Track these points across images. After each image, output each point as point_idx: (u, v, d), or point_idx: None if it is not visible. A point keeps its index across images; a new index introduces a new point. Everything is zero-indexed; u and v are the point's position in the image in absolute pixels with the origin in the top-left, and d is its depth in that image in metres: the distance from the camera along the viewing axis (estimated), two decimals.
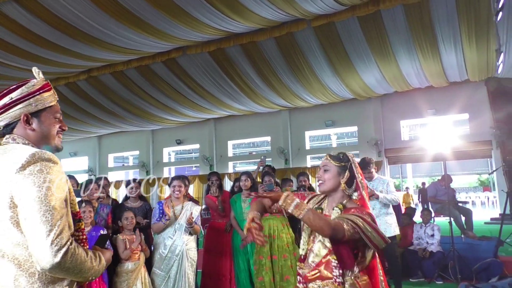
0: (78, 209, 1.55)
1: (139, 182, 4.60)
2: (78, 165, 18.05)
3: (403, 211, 7.82)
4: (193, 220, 3.99)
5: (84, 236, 1.56)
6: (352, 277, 1.97)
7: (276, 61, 10.16)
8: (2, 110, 1.51)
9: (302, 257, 2.13)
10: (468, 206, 8.61)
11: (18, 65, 8.93)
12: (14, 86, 1.53)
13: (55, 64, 9.53)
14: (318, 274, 2.02)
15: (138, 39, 8.45)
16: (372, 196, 4.80)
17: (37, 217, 1.31)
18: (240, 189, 5.11)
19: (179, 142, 15.93)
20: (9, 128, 1.53)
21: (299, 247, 2.29)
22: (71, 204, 1.50)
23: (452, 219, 6.19)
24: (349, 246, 1.94)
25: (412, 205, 12.55)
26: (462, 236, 6.93)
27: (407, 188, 15.57)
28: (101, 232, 3.59)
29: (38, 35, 7.93)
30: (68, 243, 1.34)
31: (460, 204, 7.91)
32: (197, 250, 4.27)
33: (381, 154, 12.68)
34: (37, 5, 7.04)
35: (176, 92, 11.91)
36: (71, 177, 4.07)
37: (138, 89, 11.84)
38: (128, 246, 3.79)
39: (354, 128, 13.73)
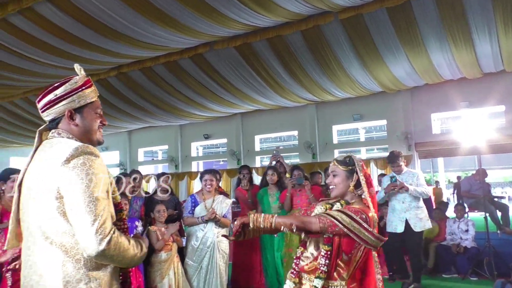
0: (119, 200, 1.64)
1: (169, 176, 4.71)
2: (110, 159, 18.55)
3: (434, 205, 7.64)
4: (218, 215, 4.04)
5: (126, 226, 1.65)
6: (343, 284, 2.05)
7: (302, 55, 10.08)
8: (48, 106, 1.59)
9: (303, 242, 2.25)
10: (504, 201, 8.31)
11: (53, 62, 9.22)
12: (58, 83, 1.61)
13: (87, 61, 9.78)
14: (314, 267, 2.10)
15: (165, 35, 8.57)
16: (402, 188, 4.71)
17: (82, 207, 1.38)
18: (266, 183, 5.14)
19: (206, 137, 16.10)
20: (54, 123, 1.62)
21: None
22: (113, 195, 1.57)
23: (487, 214, 6.01)
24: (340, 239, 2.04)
25: (444, 200, 12.23)
26: (498, 232, 6.72)
27: (436, 182, 15.16)
28: (136, 223, 3.70)
29: (71, 33, 8.17)
30: (111, 232, 1.41)
31: (496, 199, 7.65)
32: (229, 242, 4.33)
33: (411, 148, 12.39)
34: (69, 5, 7.25)
35: (203, 87, 12.02)
36: None
37: (166, 84, 12.02)
38: (160, 238, 3.89)
39: (383, 122, 13.46)
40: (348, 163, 2.25)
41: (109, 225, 1.41)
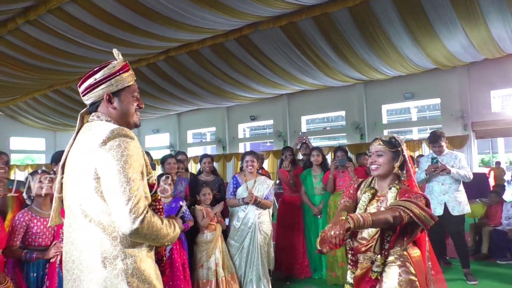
0: (154, 182, 1.67)
1: (212, 158, 4.81)
2: (160, 142, 19.26)
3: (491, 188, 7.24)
4: (259, 197, 4.09)
5: (160, 206, 1.69)
6: (402, 249, 2.10)
7: (350, 32, 9.74)
8: (88, 90, 1.65)
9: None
10: None
11: (102, 48, 9.62)
12: (97, 68, 1.66)
13: (136, 46, 10.12)
14: (370, 247, 2.12)
15: (211, 17, 8.62)
16: (444, 171, 4.50)
17: (117, 188, 1.43)
18: (310, 164, 5.11)
19: (253, 118, 16.20)
20: (94, 106, 1.68)
21: None
22: (148, 177, 1.62)
23: None
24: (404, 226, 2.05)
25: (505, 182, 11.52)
26: None
27: (497, 162, 14.24)
28: (180, 203, 3.84)
29: (120, 18, 8.46)
30: (145, 211, 1.46)
31: None
32: (271, 223, 4.39)
33: (467, 128, 11.73)
34: None
35: (249, 68, 12.04)
36: (146, 153, 4.37)
37: (213, 67, 12.16)
38: (205, 215, 4.02)
39: (437, 101, 12.81)
40: (395, 143, 2.22)
41: (143, 205, 1.46)
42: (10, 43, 9.49)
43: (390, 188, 2.18)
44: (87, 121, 1.70)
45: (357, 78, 12.49)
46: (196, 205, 4.09)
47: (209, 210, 4.04)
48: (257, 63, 11.67)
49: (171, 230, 1.57)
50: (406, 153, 2.25)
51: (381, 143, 2.23)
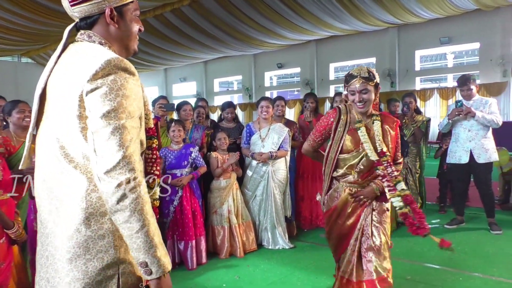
0: (152, 125, 1.45)
1: (234, 107, 4.74)
2: (187, 90, 19.31)
3: None
4: (269, 154, 4.05)
5: (155, 156, 1.47)
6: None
7: None
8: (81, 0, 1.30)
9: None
10: None
11: None
12: None
13: None
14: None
15: None
16: (468, 114, 4.26)
17: (105, 134, 1.16)
18: None
19: (280, 66, 15.85)
20: (87, 22, 1.35)
21: None
22: (146, 119, 1.38)
23: None
24: None
25: None
26: None
27: None
28: (191, 149, 3.84)
29: None
30: (135, 174, 1.18)
31: None
32: (288, 171, 4.36)
33: (507, 74, 11.04)
34: None
35: (275, 13, 11.57)
36: (163, 97, 4.33)
37: (239, 12, 11.77)
38: (219, 165, 4.03)
39: (476, 45, 12.01)
40: (373, 77, 2.37)
41: (135, 164, 1.19)
42: None
43: (373, 122, 2.43)
44: (75, 41, 1.37)
45: (390, 22, 11.81)
46: (211, 152, 4.09)
47: (225, 160, 4.03)
48: (284, 7, 11.18)
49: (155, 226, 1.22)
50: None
51: (363, 80, 2.34)
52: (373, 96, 2.37)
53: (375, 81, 2.37)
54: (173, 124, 3.75)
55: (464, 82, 4.42)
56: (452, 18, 11.31)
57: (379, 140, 2.38)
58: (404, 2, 10.25)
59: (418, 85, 13.14)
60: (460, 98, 4.58)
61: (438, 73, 13.75)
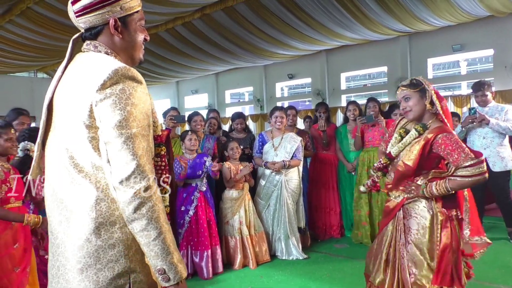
0: (159, 133, 1.45)
1: (244, 118, 4.75)
2: (199, 102, 19.42)
3: None
4: (282, 162, 4.03)
5: (164, 163, 1.49)
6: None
7: None
8: (88, 10, 1.31)
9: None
10: None
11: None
12: None
13: (172, 5, 10.03)
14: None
15: None
16: (482, 121, 4.17)
17: (117, 144, 1.17)
18: (347, 119, 4.93)
19: (291, 77, 15.87)
20: (92, 33, 1.36)
21: None
22: (154, 127, 1.38)
23: None
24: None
25: None
26: None
27: None
28: (205, 158, 3.84)
29: None
30: (150, 180, 1.19)
31: None
32: (300, 181, 4.32)
33: None
34: None
35: (285, 24, 11.63)
36: (174, 109, 4.36)
37: (249, 24, 11.87)
38: (232, 175, 4.02)
39: (489, 52, 11.84)
40: (417, 83, 2.29)
41: (149, 171, 1.21)
42: (50, 5, 9.66)
43: (413, 129, 2.31)
44: (80, 51, 1.39)
45: (401, 31, 11.75)
46: (224, 162, 4.09)
47: (238, 171, 4.02)
48: (294, 18, 11.24)
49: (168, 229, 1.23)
50: (430, 88, 2.30)
51: (403, 88, 2.31)
52: (418, 103, 2.25)
53: (420, 87, 2.27)
54: (189, 133, 3.78)
55: (479, 88, 4.35)
56: (464, 25, 11.21)
57: (397, 145, 2.36)
58: (415, 11, 10.20)
59: None
60: (475, 105, 4.50)
61: (451, 80, 13.59)
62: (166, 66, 15.40)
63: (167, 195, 1.48)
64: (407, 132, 2.35)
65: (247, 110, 18.42)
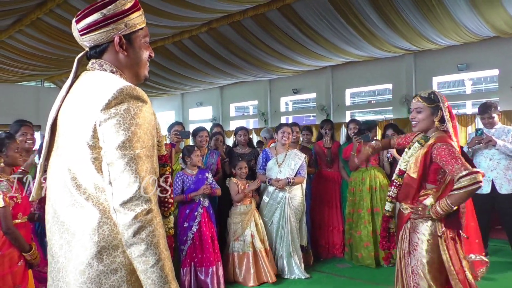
0: (164, 153, 1.43)
1: (247, 130, 4.74)
2: (204, 115, 19.48)
3: None
4: (287, 180, 4.02)
5: (169, 184, 1.45)
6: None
7: None
8: (92, 28, 1.30)
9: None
10: None
11: (147, 20, 9.69)
12: (102, 1, 1.32)
13: (179, 18, 10.13)
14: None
15: None
16: (489, 142, 4.15)
17: (120, 165, 1.14)
18: (349, 136, 4.92)
19: (295, 91, 15.91)
20: (97, 51, 1.35)
21: None
22: (158, 146, 1.36)
23: None
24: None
25: None
26: None
27: None
28: (206, 174, 3.82)
29: None
30: (151, 205, 1.16)
31: None
32: (304, 198, 4.28)
33: None
34: None
35: (291, 40, 11.71)
36: (178, 123, 4.36)
37: (255, 38, 11.96)
38: (240, 191, 3.99)
39: (494, 72, 11.85)
40: (433, 99, 2.35)
41: (151, 194, 1.18)
42: (62, 17, 9.77)
43: (413, 143, 2.43)
44: (86, 70, 1.38)
45: (407, 48, 11.79)
46: (231, 178, 4.08)
47: (246, 185, 4.01)
48: (300, 33, 11.31)
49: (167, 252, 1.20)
50: (445, 107, 2.38)
51: (419, 99, 2.36)
52: (427, 118, 2.37)
53: (435, 104, 2.36)
54: (195, 149, 3.78)
55: (485, 110, 4.34)
56: (469, 45, 11.25)
57: (404, 161, 2.44)
58: (421, 30, 10.25)
59: None
60: (481, 125, 4.48)
61: (456, 99, 13.58)
62: (171, 78, 15.50)
63: (171, 217, 1.45)
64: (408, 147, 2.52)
65: (251, 123, 18.44)
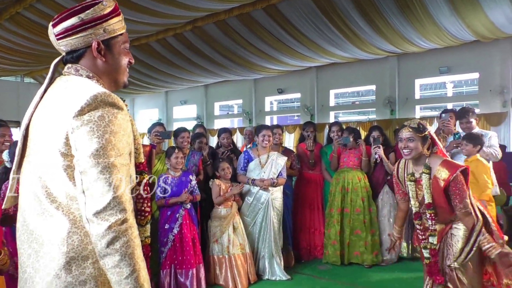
0: (142, 160, 1.39)
1: (230, 133, 4.71)
2: (188, 113, 19.36)
3: None
4: (271, 181, 4.02)
5: (146, 192, 1.43)
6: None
7: (384, 2, 9.22)
8: (69, 33, 1.26)
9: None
10: None
11: (129, 17, 9.55)
12: (84, 4, 1.27)
13: (164, 16, 10.01)
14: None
15: None
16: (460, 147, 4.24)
17: (93, 174, 1.10)
18: (331, 140, 4.94)
19: (280, 91, 15.94)
20: (73, 56, 1.30)
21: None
22: (136, 154, 1.32)
23: None
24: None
25: None
26: None
27: None
28: (190, 177, 3.77)
29: None
30: (126, 214, 1.12)
31: None
32: (283, 200, 4.28)
33: (507, 105, 11.06)
34: None
35: (276, 40, 11.72)
36: (159, 124, 4.30)
37: (240, 38, 11.93)
38: (221, 193, 3.96)
39: (475, 75, 12.10)
40: (422, 129, 2.57)
41: (126, 203, 1.15)
42: (42, 12, 9.56)
43: (421, 174, 2.57)
44: (62, 74, 1.33)
45: (390, 51, 11.94)
46: (214, 179, 4.04)
47: (228, 188, 3.97)
48: (285, 34, 11.33)
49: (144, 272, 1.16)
50: (431, 134, 2.63)
51: (410, 130, 2.56)
52: (419, 146, 2.56)
53: (424, 133, 2.57)
54: (176, 151, 3.71)
55: (463, 114, 4.40)
56: (451, 48, 11.45)
57: (427, 193, 2.56)
58: (404, 32, 10.39)
59: (418, 113, 13.18)
60: (459, 130, 4.54)
61: (438, 102, 13.81)
62: (155, 76, 15.33)
63: (148, 226, 1.41)
64: (414, 176, 2.64)
65: (235, 123, 18.40)
